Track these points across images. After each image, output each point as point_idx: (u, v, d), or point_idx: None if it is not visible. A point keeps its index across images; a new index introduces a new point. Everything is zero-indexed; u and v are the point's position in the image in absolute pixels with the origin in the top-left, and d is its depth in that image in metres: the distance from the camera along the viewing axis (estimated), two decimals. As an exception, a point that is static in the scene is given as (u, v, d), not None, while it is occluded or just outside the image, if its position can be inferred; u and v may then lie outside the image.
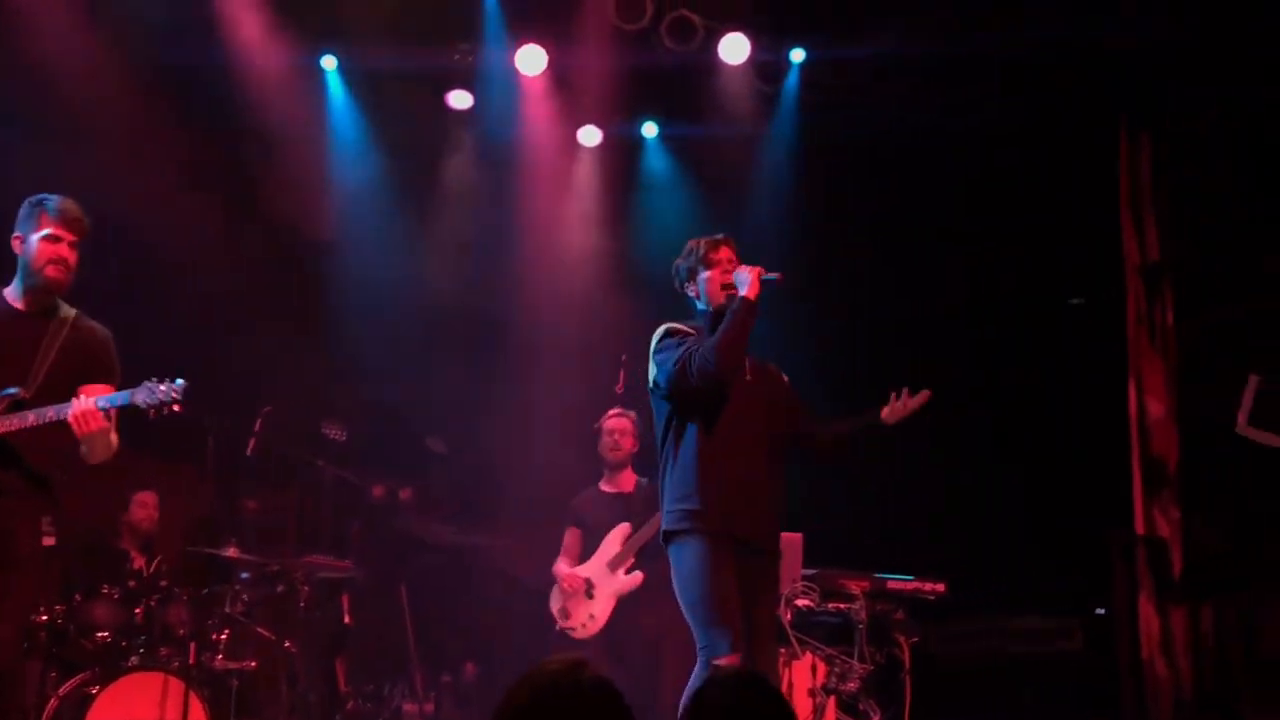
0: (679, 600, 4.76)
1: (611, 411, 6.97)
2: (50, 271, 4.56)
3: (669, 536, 4.82)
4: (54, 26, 6.81)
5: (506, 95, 8.18)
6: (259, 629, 6.47)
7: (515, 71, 8.03)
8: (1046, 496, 7.49)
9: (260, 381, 7.37)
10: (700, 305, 5.02)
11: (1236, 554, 7.28)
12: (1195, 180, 7.59)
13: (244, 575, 6.51)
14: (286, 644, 6.54)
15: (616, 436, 6.93)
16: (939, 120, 7.68)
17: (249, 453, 6.69)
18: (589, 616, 6.66)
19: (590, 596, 6.69)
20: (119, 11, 6.92)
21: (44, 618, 5.86)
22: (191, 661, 5.96)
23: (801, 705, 5.89)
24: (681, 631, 4.87)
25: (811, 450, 5.12)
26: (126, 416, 4.53)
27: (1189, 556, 7.33)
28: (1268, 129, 7.33)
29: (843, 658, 6.02)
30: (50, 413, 4.38)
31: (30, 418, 4.38)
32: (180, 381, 4.36)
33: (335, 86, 8.13)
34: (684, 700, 3.99)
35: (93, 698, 5.64)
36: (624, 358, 7.08)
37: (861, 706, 5.99)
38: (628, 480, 6.97)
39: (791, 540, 5.93)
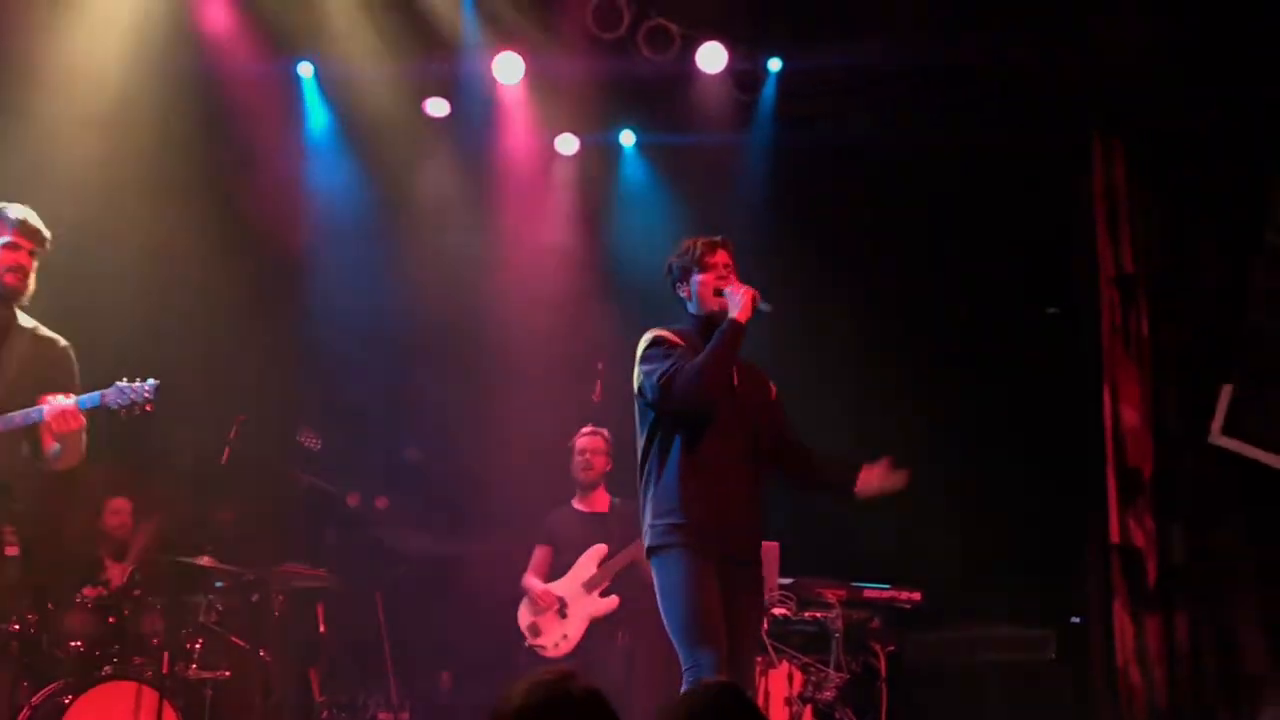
0: (662, 615, 4.64)
1: (584, 430, 6.88)
2: (9, 279, 4.54)
3: (652, 551, 4.72)
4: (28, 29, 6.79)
5: (484, 103, 8.18)
6: (233, 638, 6.41)
7: (493, 79, 8.03)
8: (1022, 505, 7.49)
9: (235, 389, 7.33)
10: (691, 308, 4.90)
11: (1210, 563, 7.31)
12: (1170, 190, 7.63)
13: (218, 584, 6.45)
14: (261, 653, 6.48)
15: (589, 456, 6.83)
16: (915, 130, 7.71)
17: (223, 461, 6.65)
18: (562, 636, 6.57)
19: (564, 616, 6.61)
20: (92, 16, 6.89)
21: (15, 627, 5.78)
22: (165, 671, 5.90)
23: (778, 714, 5.89)
24: (654, 656, 4.80)
25: (784, 475, 5.02)
26: (102, 420, 4.50)
27: (1163, 566, 7.36)
28: (1241, 138, 7.39)
29: (819, 666, 6.01)
30: (18, 418, 4.34)
31: None
32: (152, 381, 4.34)
33: (311, 93, 8.11)
34: (658, 714, 3.95)
35: (65, 707, 5.56)
36: (600, 366, 7.06)
37: (838, 715, 5.99)
38: (601, 500, 6.88)
39: (768, 549, 5.86)
